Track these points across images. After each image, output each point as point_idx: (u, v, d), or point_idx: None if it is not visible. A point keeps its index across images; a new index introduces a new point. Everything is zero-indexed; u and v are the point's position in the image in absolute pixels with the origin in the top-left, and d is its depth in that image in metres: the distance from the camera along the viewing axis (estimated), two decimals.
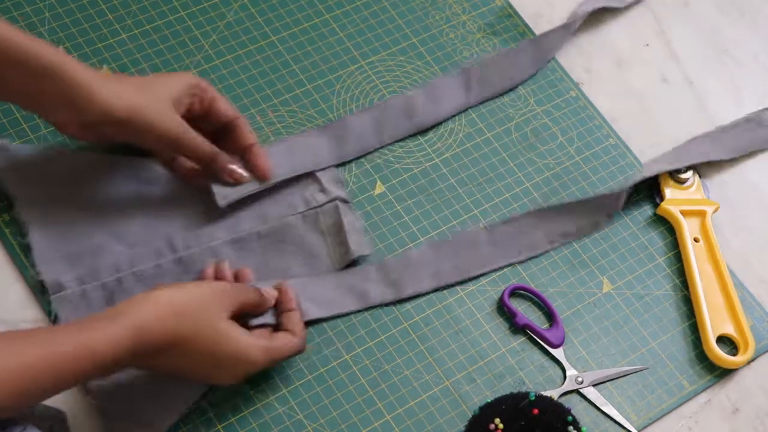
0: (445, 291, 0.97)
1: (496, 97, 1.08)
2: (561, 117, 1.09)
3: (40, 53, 0.83)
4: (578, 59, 1.14)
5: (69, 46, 1.03)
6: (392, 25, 1.11)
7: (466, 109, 1.07)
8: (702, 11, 1.19)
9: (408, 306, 0.96)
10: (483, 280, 0.98)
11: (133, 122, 0.88)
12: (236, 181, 0.95)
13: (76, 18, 1.05)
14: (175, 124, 0.90)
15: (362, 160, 1.02)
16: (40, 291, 0.90)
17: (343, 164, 1.02)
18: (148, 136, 0.89)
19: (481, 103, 1.08)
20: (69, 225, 0.93)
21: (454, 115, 1.07)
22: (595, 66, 1.13)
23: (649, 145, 1.09)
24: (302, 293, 0.92)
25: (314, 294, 0.93)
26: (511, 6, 1.15)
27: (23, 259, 0.92)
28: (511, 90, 1.09)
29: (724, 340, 0.98)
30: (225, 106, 0.95)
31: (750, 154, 1.11)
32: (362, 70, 1.08)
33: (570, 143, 1.07)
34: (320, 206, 0.98)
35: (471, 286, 0.98)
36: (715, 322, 0.98)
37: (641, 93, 1.12)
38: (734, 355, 0.97)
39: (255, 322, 0.88)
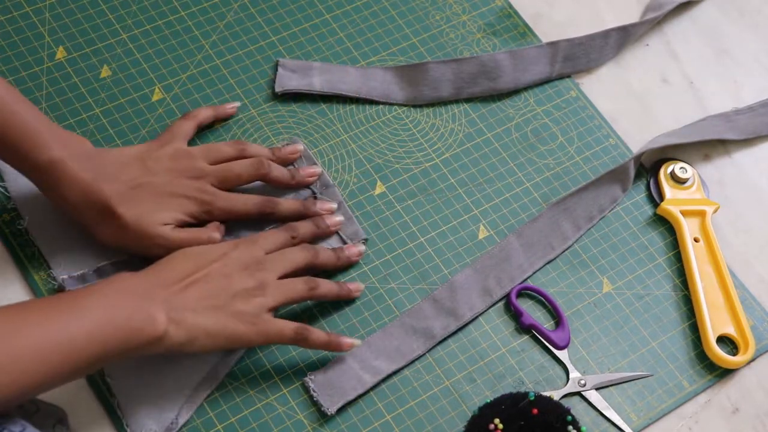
0: None
1: (567, 76, 1.11)
2: (561, 117, 1.09)
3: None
4: None
5: (69, 46, 1.03)
6: (392, 25, 1.11)
7: (546, 82, 1.10)
8: (702, 11, 1.18)
9: (407, 306, 0.96)
10: None
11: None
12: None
13: (76, 18, 1.05)
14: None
15: (362, 159, 1.03)
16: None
17: (343, 164, 1.02)
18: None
19: (559, 78, 1.11)
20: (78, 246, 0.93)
21: (532, 87, 1.10)
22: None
23: None
24: (371, 351, 0.92)
25: (382, 348, 0.92)
26: (511, 6, 1.15)
27: (23, 259, 0.92)
28: (586, 72, 1.12)
29: (724, 340, 0.98)
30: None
31: (754, 144, 1.11)
32: None
33: (570, 143, 1.07)
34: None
35: None
36: (715, 322, 0.98)
37: (641, 93, 1.12)
38: (734, 355, 0.97)
39: None
